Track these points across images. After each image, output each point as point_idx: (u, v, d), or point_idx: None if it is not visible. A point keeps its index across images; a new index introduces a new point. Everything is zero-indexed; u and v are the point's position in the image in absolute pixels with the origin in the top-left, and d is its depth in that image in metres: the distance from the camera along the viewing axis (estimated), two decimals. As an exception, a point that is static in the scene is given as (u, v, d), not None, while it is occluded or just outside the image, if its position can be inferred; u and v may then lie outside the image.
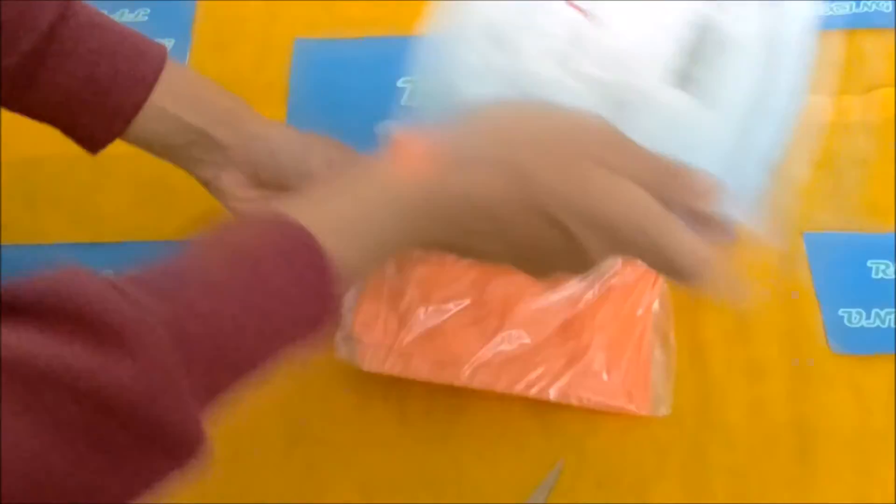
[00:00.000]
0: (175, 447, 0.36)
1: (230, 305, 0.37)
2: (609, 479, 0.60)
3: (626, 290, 0.65)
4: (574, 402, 0.61)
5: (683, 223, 0.43)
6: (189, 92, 0.57)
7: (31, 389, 0.32)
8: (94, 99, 0.54)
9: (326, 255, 0.39)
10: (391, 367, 0.62)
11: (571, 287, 0.65)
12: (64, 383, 0.32)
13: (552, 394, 0.62)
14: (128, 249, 0.70)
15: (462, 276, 0.65)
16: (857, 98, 0.74)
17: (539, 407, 0.62)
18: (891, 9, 0.79)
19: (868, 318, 0.64)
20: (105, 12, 0.82)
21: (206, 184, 0.59)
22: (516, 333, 0.63)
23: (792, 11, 0.47)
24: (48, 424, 0.32)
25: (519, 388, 0.62)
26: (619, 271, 0.65)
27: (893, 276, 0.66)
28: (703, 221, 0.44)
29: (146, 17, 0.83)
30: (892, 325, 0.64)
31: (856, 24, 0.78)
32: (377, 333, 0.63)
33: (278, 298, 0.38)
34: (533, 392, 0.62)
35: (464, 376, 0.62)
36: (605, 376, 0.62)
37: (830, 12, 0.79)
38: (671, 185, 0.44)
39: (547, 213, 0.42)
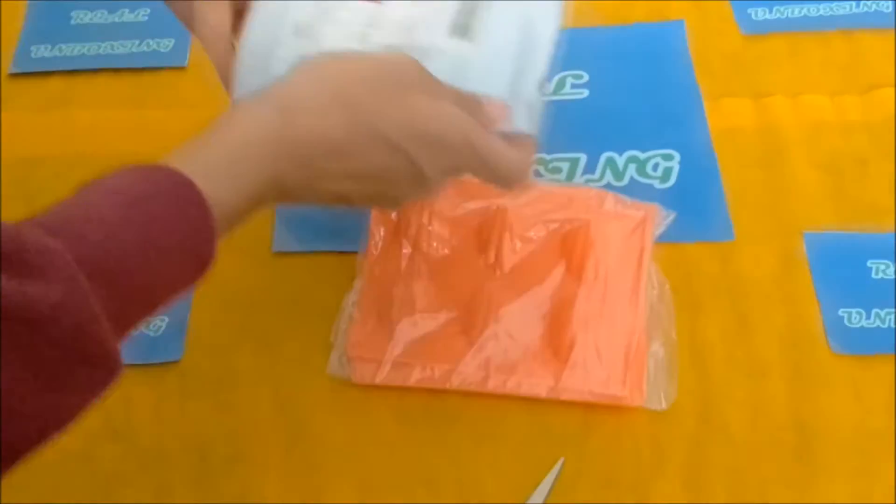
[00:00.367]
0: (99, 360, 0.39)
1: (120, 234, 0.40)
2: (609, 479, 0.60)
3: (609, 280, 0.65)
4: (564, 396, 0.61)
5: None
6: None
7: None
8: None
9: (202, 192, 0.42)
10: (382, 378, 0.62)
11: (553, 280, 0.65)
12: None
13: (542, 390, 0.62)
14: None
15: (449, 288, 0.65)
16: (857, 98, 0.75)
17: (538, 407, 0.62)
18: (891, 9, 0.79)
19: (868, 318, 0.64)
20: (105, 12, 0.83)
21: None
22: (503, 334, 0.64)
23: None
24: None
25: (509, 388, 0.62)
26: (598, 263, 0.65)
27: (893, 276, 0.66)
28: (507, 138, 0.52)
29: (146, 17, 0.83)
30: (892, 325, 0.64)
31: (856, 24, 0.79)
32: (367, 348, 0.63)
33: (163, 229, 0.42)
34: (523, 390, 0.62)
35: (455, 381, 0.62)
36: (593, 368, 0.62)
37: (830, 12, 0.80)
38: (475, 112, 0.51)
39: (388, 141, 0.48)
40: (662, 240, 0.67)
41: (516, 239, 0.67)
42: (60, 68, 0.80)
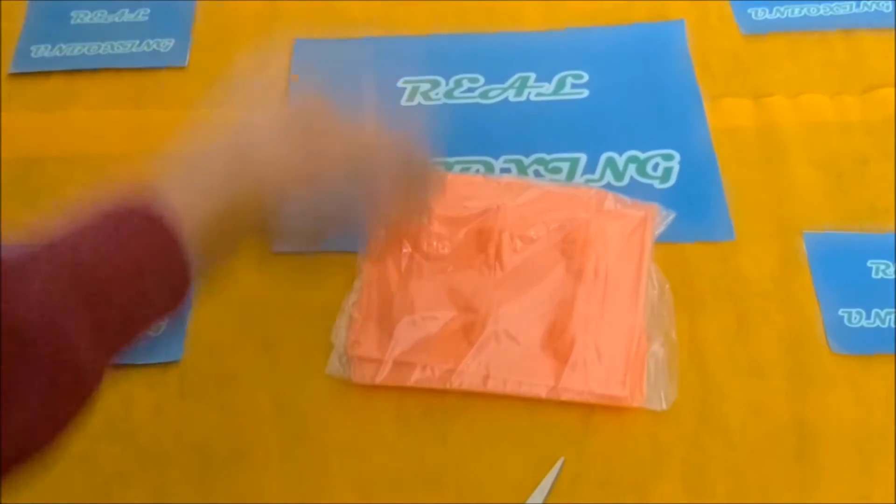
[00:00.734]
0: (74, 372, 0.40)
1: (102, 253, 0.42)
2: (609, 479, 0.60)
3: (609, 280, 0.65)
4: (564, 396, 0.61)
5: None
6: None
7: None
8: None
9: (170, 207, 0.44)
10: (382, 378, 0.62)
11: (553, 280, 0.65)
12: None
13: (542, 390, 0.62)
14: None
15: (448, 288, 0.65)
16: (857, 98, 0.75)
17: (538, 407, 0.62)
18: (891, 9, 0.79)
19: (868, 318, 0.64)
20: (105, 12, 0.83)
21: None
22: (502, 334, 0.64)
23: None
24: None
25: (509, 388, 0.62)
26: (598, 263, 0.65)
27: (893, 276, 0.66)
28: None
29: (146, 17, 0.83)
30: (892, 325, 0.64)
31: (856, 24, 0.79)
32: (367, 348, 0.63)
33: (135, 240, 0.43)
34: (523, 390, 0.62)
35: (455, 382, 0.62)
36: (593, 368, 0.62)
37: (830, 12, 0.80)
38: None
39: (341, 152, 0.52)
40: (662, 240, 0.67)
41: (516, 239, 0.67)
42: (60, 68, 0.80)
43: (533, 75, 0.77)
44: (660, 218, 0.67)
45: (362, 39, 0.80)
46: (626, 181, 0.71)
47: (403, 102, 0.77)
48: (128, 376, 0.63)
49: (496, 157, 0.73)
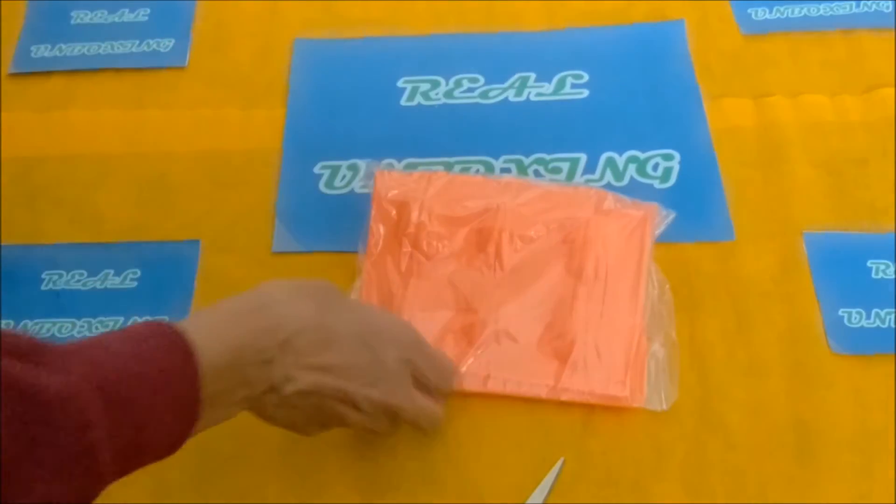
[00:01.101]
0: (90, 459, 0.41)
1: (124, 363, 0.44)
2: (609, 479, 0.60)
3: (609, 280, 0.65)
4: (564, 397, 0.61)
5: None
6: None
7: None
8: None
9: (191, 341, 0.47)
10: None
11: (553, 280, 0.65)
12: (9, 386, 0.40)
13: (542, 390, 0.62)
14: (128, 249, 0.70)
15: (448, 288, 0.65)
16: (857, 98, 0.75)
17: (538, 406, 0.62)
18: (891, 9, 0.79)
19: (868, 318, 0.64)
20: (105, 12, 0.83)
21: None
22: (502, 334, 0.64)
23: None
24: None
25: (509, 388, 0.62)
26: (598, 263, 0.65)
27: (893, 276, 0.66)
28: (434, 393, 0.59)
29: (146, 17, 0.83)
30: (892, 325, 0.64)
31: (856, 24, 0.79)
32: None
33: (155, 354, 0.46)
34: (523, 390, 0.62)
35: (455, 382, 0.62)
36: (593, 368, 0.62)
37: (830, 12, 0.80)
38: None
39: (356, 334, 0.54)
40: (662, 240, 0.67)
41: (516, 238, 0.67)
42: (60, 68, 0.80)
43: (533, 75, 0.77)
44: (660, 218, 0.67)
45: (362, 39, 0.80)
46: (626, 181, 0.71)
47: (403, 102, 0.77)
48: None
49: (496, 157, 0.73)
